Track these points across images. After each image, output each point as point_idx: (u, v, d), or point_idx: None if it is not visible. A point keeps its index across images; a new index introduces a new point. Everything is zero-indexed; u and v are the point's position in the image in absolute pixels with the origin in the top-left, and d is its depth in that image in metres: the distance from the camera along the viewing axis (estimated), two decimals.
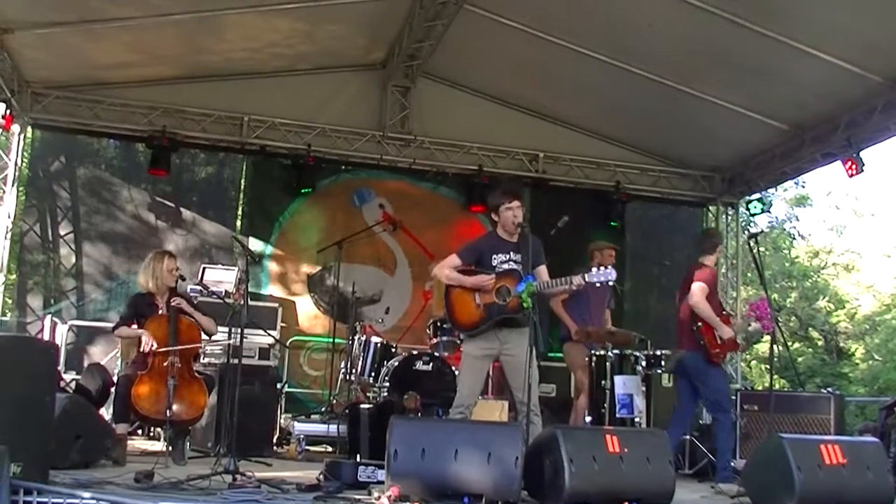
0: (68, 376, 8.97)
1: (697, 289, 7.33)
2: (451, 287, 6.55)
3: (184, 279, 7.60)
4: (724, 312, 7.55)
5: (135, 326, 7.19)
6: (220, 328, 7.68)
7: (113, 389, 7.27)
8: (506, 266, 6.41)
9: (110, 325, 8.18)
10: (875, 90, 9.46)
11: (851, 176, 10.31)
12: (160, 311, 7.18)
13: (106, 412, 7.69)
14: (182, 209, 11.39)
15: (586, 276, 6.29)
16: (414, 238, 11.87)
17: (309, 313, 11.52)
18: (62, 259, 10.93)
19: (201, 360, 8.21)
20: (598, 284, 6.51)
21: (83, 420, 6.27)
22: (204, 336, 7.43)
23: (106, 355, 9.31)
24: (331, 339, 10.50)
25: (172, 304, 7.15)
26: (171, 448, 6.89)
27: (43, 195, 11.09)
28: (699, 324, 7.29)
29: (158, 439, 8.48)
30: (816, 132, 10.67)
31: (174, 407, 6.61)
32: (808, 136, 10.83)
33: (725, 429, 7.38)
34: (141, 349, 6.95)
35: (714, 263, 7.65)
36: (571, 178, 12.52)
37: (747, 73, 9.94)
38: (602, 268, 6.40)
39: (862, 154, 10.21)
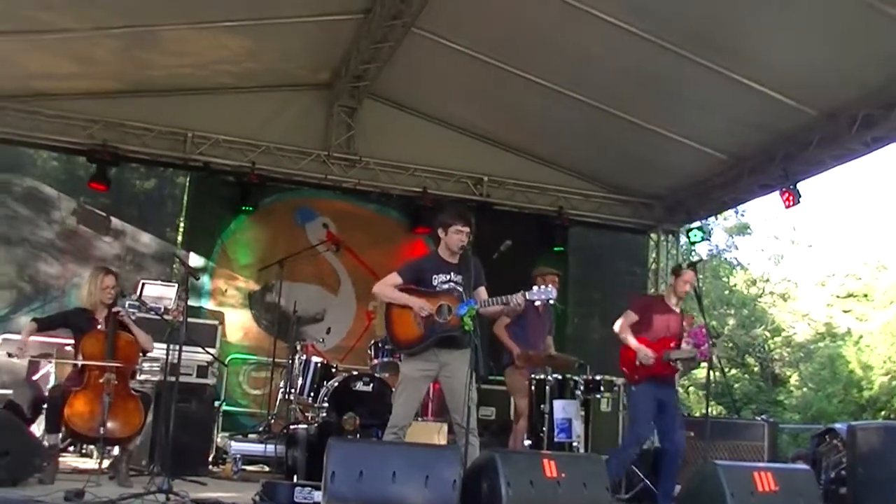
0: None
1: (621, 315, 7.56)
2: (392, 305, 6.53)
3: (124, 296, 7.47)
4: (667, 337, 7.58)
5: (69, 343, 7.07)
6: (158, 345, 7.55)
7: (44, 406, 7.12)
8: (446, 286, 6.41)
9: (42, 338, 7.99)
10: (811, 124, 9.69)
11: (788, 207, 10.52)
12: (99, 327, 7.05)
13: (37, 429, 7.52)
14: (112, 218, 11.18)
15: (526, 294, 6.31)
16: (358, 258, 11.84)
17: (247, 331, 11.41)
18: None
19: (138, 378, 8.08)
20: (537, 303, 6.53)
21: (12, 436, 6.12)
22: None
23: (38, 371, 9.07)
24: (270, 358, 10.39)
25: (113, 312, 7.00)
26: (112, 470, 6.79)
27: None
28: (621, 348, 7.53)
29: (91, 456, 8.31)
30: (754, 163, 10.88)
31: (108, 424, 6.46)
32: (746, 167, 11.04)
33: (616, 453, 7.55)
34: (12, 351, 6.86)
35: (675, 294, 7.63)
36: (515, 202, 12.63)
37: (689, 104, 10.13)
38: (543, 286, 6.44)
39: (799, 186, 10.44)
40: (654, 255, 13.29)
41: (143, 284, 10.00)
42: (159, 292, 9.80)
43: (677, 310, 7.58)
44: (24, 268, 10.81)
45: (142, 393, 7.07)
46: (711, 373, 7.39)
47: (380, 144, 11.90)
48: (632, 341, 7.39)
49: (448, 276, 6.43)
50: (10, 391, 8.32)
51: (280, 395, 9.48)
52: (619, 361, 7.58)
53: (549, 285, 6.58)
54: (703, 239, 13.03)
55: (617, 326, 7.55)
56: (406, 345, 6.47)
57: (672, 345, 7.39)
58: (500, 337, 8.58)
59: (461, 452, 5.58)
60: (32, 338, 7.15)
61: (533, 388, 8.23)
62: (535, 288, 6.38)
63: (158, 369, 8.57)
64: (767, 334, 26.91)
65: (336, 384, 8.53)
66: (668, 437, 7.39)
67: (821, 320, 27.43)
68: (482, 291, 6.47)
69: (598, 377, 8.64)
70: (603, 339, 12.18)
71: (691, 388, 23.55)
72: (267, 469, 8.73)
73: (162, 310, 8.42)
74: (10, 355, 7.12)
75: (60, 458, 6.98)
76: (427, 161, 12.19)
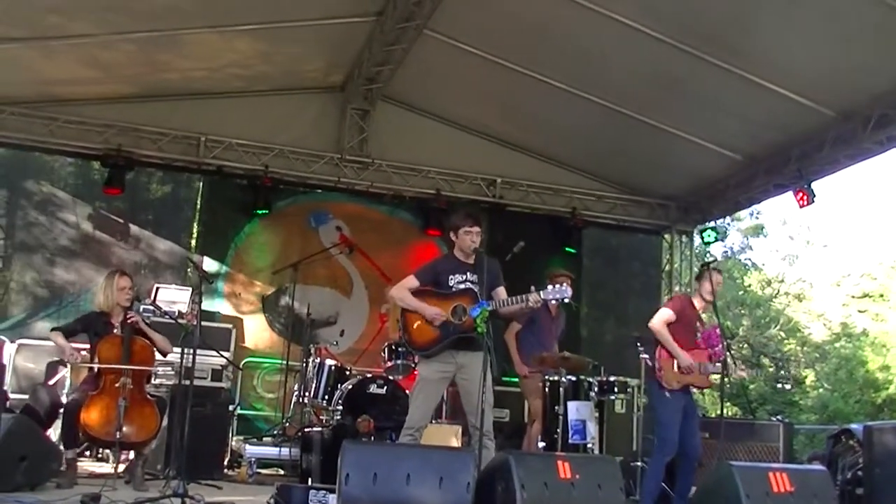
0: (15, 396, 8.81)
1: (658, 314, 7.34)
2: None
3: (139, 300, 7.49)
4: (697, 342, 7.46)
5: (85, 348, 7.10)
6: (173, 348, 7.58)
7: (61, 411, 7.16)
8: (462, 286, 6.43)
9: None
10: (826, 123, 9.65)
11: (802, 207, 10.48)
12: (115, 331, 7.07)
13: (54, 433, 7.56)
14: (130, 224, 11.22)
15: (542, 293, 6.33)
16: (370, 261, 11.84)
17: (261, 334, 11.42)
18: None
19: (153, 382, 8.10)
20: (552, 302, 6.55)
21: (29, 441, 6.15)
22: (158, 356, 7.34)
23: (54, 375, 9.11)
24: (284, 361, 10.42)
25: (128, 319, 7.03)
26: (128, 475, 6.81)
27: None
28: (652, 349, 7.37)
29: (107, 461, 8.35)
30: (769, 163, 10.84)
31: (124, 428, 6.48)
32: (760, 167, 11.00)
33: (651, 464, 7.33)
34: (65, 359, 6.90)
35: (707, 293, 7.51)
36: (528, 203, 12.59)
37: (703, 104, 10.10)
38: (557, 285, 6.45)
39: (814, 185, 10.39)
40: (668, 256, 13.25)
41: (158, 289, 10.05)
42: (173, 296, 9.85)
43: (702, 313, 7.50)
44: (41, 273, 10.86)
45: (157, 397, 7.10)
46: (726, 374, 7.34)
47: (393, 146, 11.89)
48: (671, 343, 7.11)
49: (464, 277, 6.46)
50: (26, 396, 8.37)
51: (294, 399, 9.51)
52: (656, 361, 7.27)
53: (564, 284, 6.59)
54: (716, 239, 12.99)
55: (656, 323, 7.23)
56: (422, 347, 6.50)
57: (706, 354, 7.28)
58: (509, 346, 8.59)
59: (475, 454, 5.58)
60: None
61: (547, 389, 8.22)
62: (549, 287, 6.41)
63: (173, 373, 8.60)
64: (783, 335, 26.77)
65: (350, 387, 8.56)
66: (688, 442, 7.32)
67: (836, 320, 27.27)
68: (501, 291, 6.50)
69: (612, 378, 8.64)
70: (617, 341, 12.23)
71: (706, 389, 23.44)
72: (282, 472, 8.76)
73: (176, 314, 8.45)
74: (62, 362, 7.17)
75: (78, 463, 7.01)
76: (440, 163, 12.16)
